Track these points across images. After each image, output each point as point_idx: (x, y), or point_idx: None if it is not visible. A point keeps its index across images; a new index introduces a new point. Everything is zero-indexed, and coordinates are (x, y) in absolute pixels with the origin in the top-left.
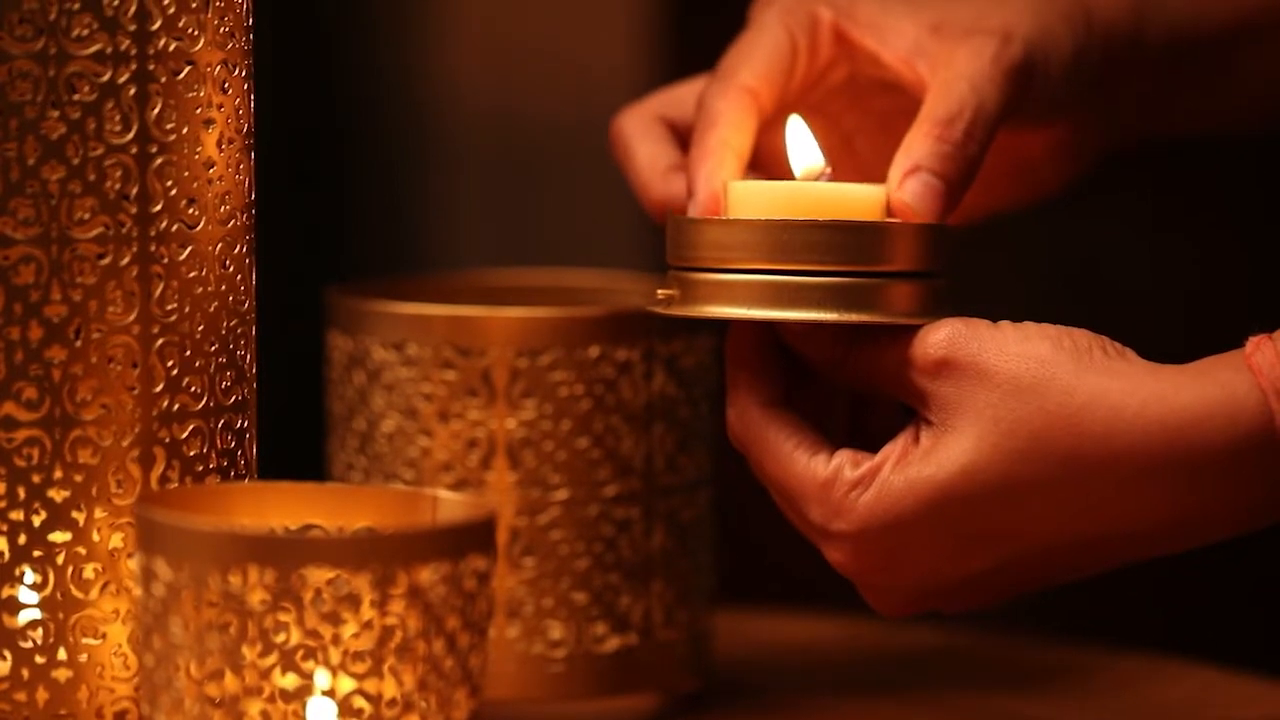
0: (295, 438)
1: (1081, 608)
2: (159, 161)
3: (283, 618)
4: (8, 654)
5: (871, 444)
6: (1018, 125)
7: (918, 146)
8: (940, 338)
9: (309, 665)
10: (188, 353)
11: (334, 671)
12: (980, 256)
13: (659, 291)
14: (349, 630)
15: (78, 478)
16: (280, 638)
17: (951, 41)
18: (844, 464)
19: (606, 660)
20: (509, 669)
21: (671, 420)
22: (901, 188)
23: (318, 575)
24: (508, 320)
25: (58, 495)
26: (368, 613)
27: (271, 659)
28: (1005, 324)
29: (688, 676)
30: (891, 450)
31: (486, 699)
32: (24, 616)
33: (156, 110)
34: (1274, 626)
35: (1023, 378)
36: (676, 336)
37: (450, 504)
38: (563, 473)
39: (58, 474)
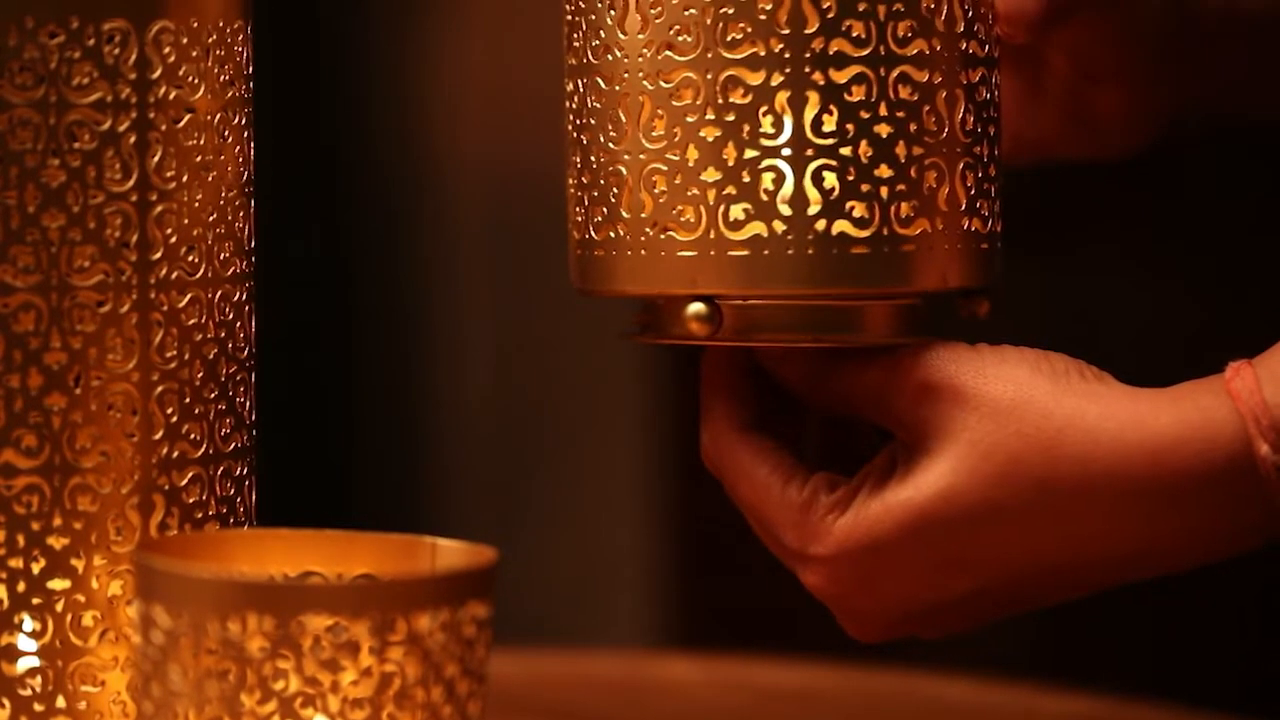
0: (296, 482)
1: (1086, 654)
2: (159, 209)
3: (282, 665)
4: (6, 702)
5: (847, 467)
6: (1091, 70)
7: None
8: (918, 360)
9: (308, 712)
10: (187, 400)
11: (333, 719)
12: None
13: (636, 317)
14: (348, 677)
15: (77, 525)
16: (279, 685)
17: None
18: (820, 488)
19: None
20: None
21: None
22: None
23: (317, 622)
24: None
25: (57, 542)
26: (366, 660)
27: (271, 706)
28: (983, 346)
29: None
30: (868, 473)
31: None
32: (23, 664)
33: (157, 158)
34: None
35: (1000, 400)
36: None
37: (449, 551)
38: None
39: (57, 521)
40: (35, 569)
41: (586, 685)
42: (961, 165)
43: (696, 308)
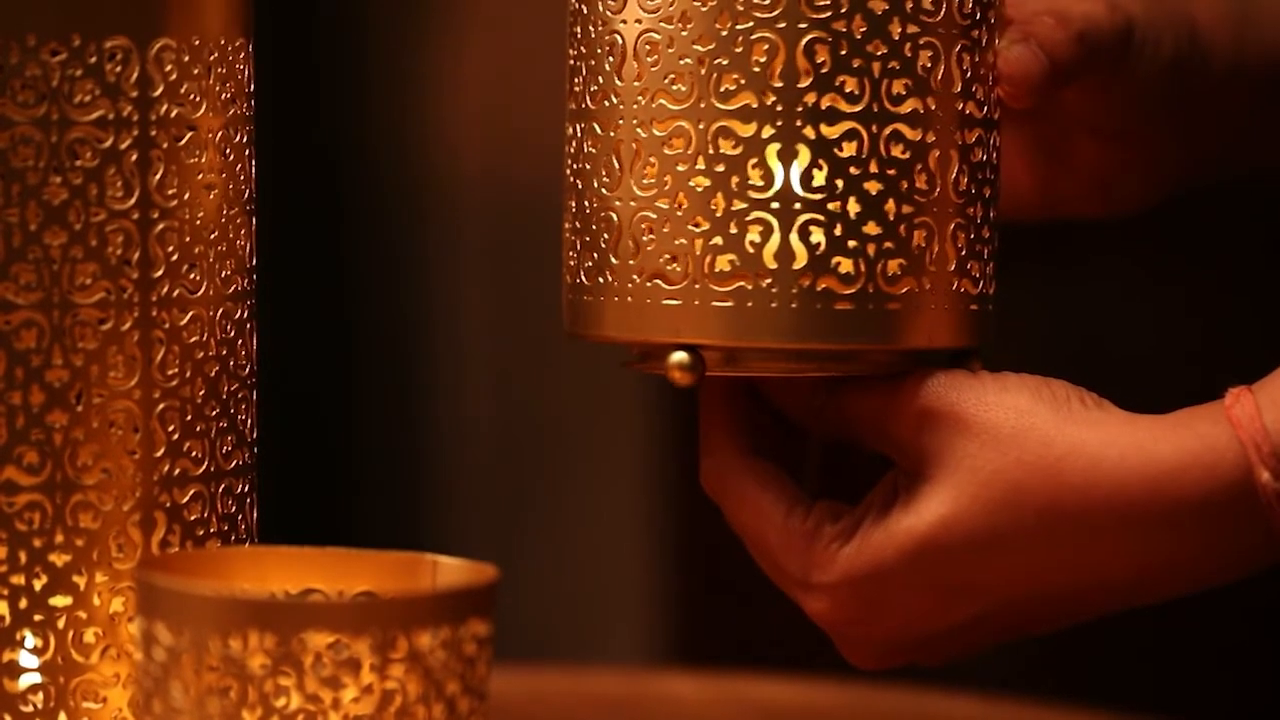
0: (298, 499)
1: (1087, 671)
2: (160, 227)
3: (283, 682)
4: (9, 718)
5: (848, 494)
6: (1096, 130)
7: (1036, 25)
8: (918, 388)
9: None
10: (189, 417)
11: None
12: None
13: (637, 346)
14: (349, 695)
15: (79, 542)
16: (281, 702)
17: None
18: (824, 517)
19: None
20: None
21: None
22: (1009, 50)
23: (318, 640)
24: None
25: (59, 559)
26: (368, 677)
27: None
28: (984, 374)
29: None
30: (871, 502)
31: None
32: (25, 681)
33: (158, 176)
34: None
35: (1001, 428)
36: None
37: (450, 568)
38: None
39: (59, 538)
40: (37, 585)
41: (587, 702)
42: (953, 225)
43: (679, 357)
